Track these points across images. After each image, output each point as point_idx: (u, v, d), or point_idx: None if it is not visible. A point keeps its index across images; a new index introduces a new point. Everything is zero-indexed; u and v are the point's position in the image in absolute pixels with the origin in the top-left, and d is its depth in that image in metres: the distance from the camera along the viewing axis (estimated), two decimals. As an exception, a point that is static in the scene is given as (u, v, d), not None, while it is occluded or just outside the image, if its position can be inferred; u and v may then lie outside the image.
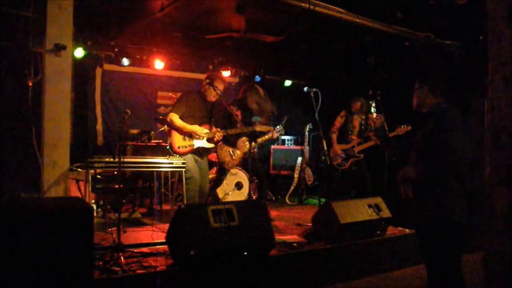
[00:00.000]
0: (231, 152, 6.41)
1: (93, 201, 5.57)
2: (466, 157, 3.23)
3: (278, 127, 6.56)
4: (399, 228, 5.42)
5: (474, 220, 4.33)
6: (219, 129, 5.46)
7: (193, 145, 5.32)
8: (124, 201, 6.49)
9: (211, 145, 5.49)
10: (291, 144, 9.22)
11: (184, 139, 5.32)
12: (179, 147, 5.29)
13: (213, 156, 6.43)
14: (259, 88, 6.53)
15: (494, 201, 2.27)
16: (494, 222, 2.26)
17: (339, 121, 7.09)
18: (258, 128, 6.14)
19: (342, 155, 6.88)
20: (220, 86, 5.37)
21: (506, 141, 2.24)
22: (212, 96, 5.36)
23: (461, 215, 3.24)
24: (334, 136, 7.04)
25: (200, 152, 5.41)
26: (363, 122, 6.99)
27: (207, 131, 5.40)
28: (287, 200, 8.10)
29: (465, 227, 3.29)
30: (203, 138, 5.33)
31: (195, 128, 5.29)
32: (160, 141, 6.82)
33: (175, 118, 5.26)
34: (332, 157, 6.92)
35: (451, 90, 3.59)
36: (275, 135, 6.59)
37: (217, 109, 5.64)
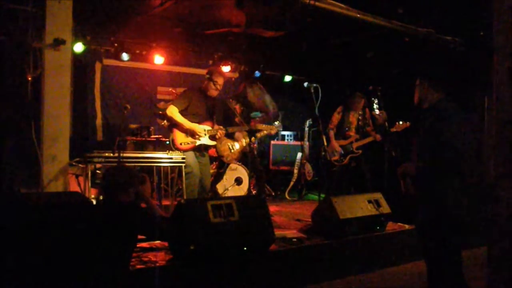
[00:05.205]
0: (230, 145, 6.41)
1: (93, 196, 5.56)
2: (466, 153, 3.23)
3: (276, 123, 6.57)
4: (399, 223, 5.40)
5: (473, 217, 4.34)
6: (221, 127, 5.44)
7: (196, 142, 5.31)
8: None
9: (213, 143, 5.48)
10: (291, 139, 9.20)
11: (187, 136, 5.30)
12: (181, 144, 5.27)
13: (212, 152, 6.43)
14: (260, 84, 6.53)
15: (499, 194, 2.26)
16: (498, 217, 2.26)
17: (336, 117, 7.04)
18: (260, 127, 6.15)
19: (341, 151, 6.86)
20: (219, 80, 5.34)
21: (511, 134, 2.23)
22: (212, 91, 5.33)
23: (461, 211, 3.25)
24: (332, 133, 6.99)
25: (201, 149, 5.41)
26: (360, 118, 6.96)
27: (209, 128, 5.39)
28: (286, 196, 8.10)
29: (465, 223, 3.29)
30: (204, 135, 5.32)
31: (195, 127, 5.27)
32: (160, 136, 6.80)
33: (175, 111, 5.22)
34: (330, 153, 6.89)
35: (451, 86, 3.59)
36: (274, 131, 6.59)
37: (218, 106, 5.62)
